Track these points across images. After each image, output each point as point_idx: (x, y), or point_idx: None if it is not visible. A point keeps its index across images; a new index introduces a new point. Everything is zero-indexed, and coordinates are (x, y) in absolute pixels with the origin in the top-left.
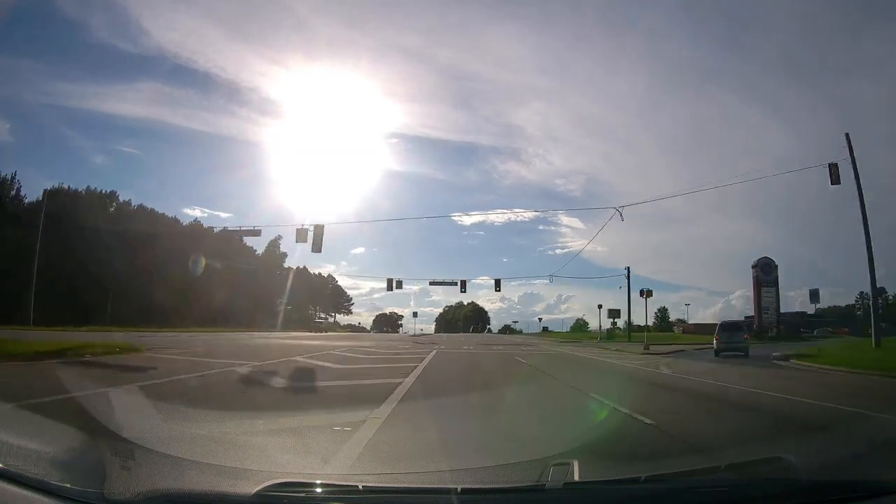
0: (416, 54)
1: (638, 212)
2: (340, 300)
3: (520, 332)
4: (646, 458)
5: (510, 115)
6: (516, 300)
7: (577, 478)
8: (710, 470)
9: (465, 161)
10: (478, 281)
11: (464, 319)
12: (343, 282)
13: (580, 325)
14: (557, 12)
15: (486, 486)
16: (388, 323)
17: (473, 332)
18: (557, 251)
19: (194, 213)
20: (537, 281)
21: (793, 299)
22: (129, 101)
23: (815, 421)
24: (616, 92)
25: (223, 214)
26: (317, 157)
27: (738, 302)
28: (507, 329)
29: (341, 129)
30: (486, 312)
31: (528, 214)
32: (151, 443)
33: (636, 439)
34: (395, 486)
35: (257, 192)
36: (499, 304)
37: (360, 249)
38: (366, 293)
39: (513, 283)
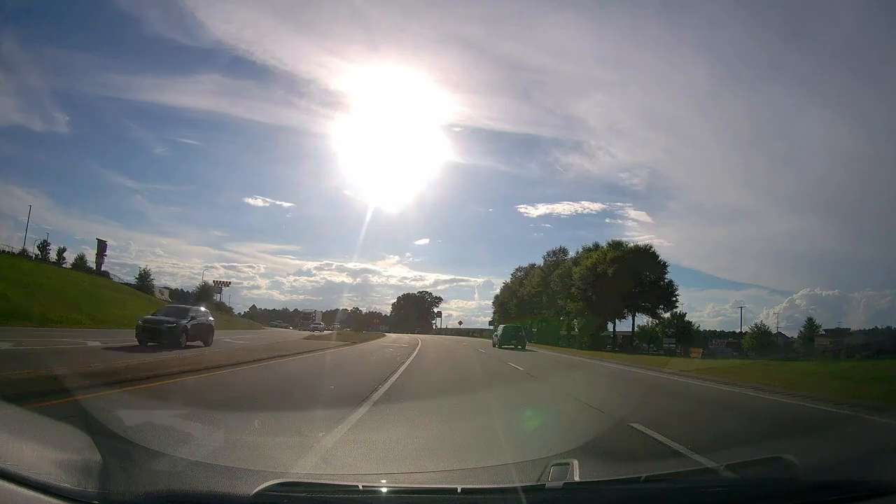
0: (475, 45)
1: (700, 206)
2: None
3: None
4: (646, 458)
5: (571, 107)
6: None
7: (577, 478)
8: (710, 470)
9: (528, 153)
10: None
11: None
12: (407, 273)
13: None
14: (615, 1)
15: (486, 486)
16: (413, 308)
17: (510, 344)
18: None
19: (256, 202)
20: None
21: (855, 302)
22: (189, 93)
23: None
24: (676, 84)
25: (285, 204)
26: (378, 148)
27: (802, 301)
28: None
29: (402, 120)
30: (660, 262)
31: (595, 207)
32: (151, 443)
33: None
34: (395, 486)
35: (319, 183)
36: None
37: (425, 241)
38: (430, 284)
39: None
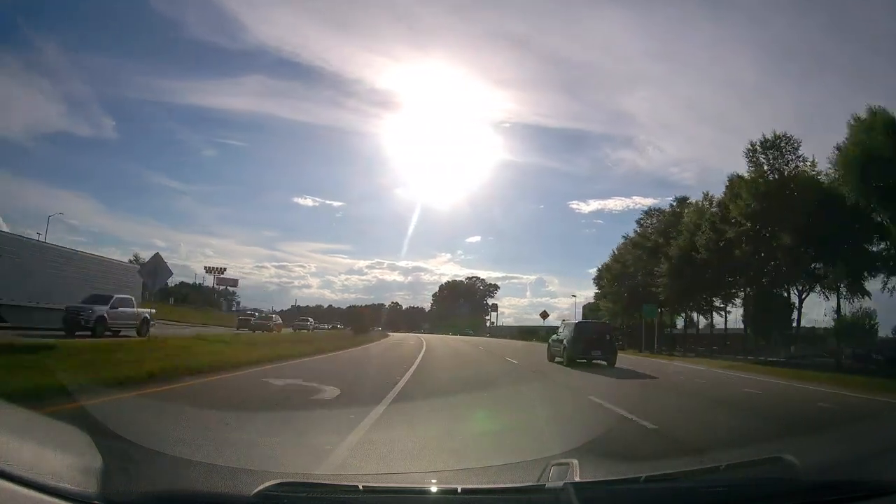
0: (521, 41)
1: None
2: None
3: None
4: (646, 459)
5: (619, 102)
6: None
7: (577, 478)
8: (710, 470)
9: (578, 149)
10: (594, 271)
11: None
12: (459, 270)
13: None
14: None
15: (487, 486)
16: (460, 300)
17: (586, 356)
18: None
19: (305, 202)
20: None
21: None
22: (234, 95)
23: None
24: (722, 78)
25: (335, 203)
26: (428, 146)
27: None
28: None
29: (451, 118)
30: None
31: (647, 202)
32: (151, 443)
33: None
34: (395, 486)
35: (369, 182)
36: None
37: (476, 238)
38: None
39: None
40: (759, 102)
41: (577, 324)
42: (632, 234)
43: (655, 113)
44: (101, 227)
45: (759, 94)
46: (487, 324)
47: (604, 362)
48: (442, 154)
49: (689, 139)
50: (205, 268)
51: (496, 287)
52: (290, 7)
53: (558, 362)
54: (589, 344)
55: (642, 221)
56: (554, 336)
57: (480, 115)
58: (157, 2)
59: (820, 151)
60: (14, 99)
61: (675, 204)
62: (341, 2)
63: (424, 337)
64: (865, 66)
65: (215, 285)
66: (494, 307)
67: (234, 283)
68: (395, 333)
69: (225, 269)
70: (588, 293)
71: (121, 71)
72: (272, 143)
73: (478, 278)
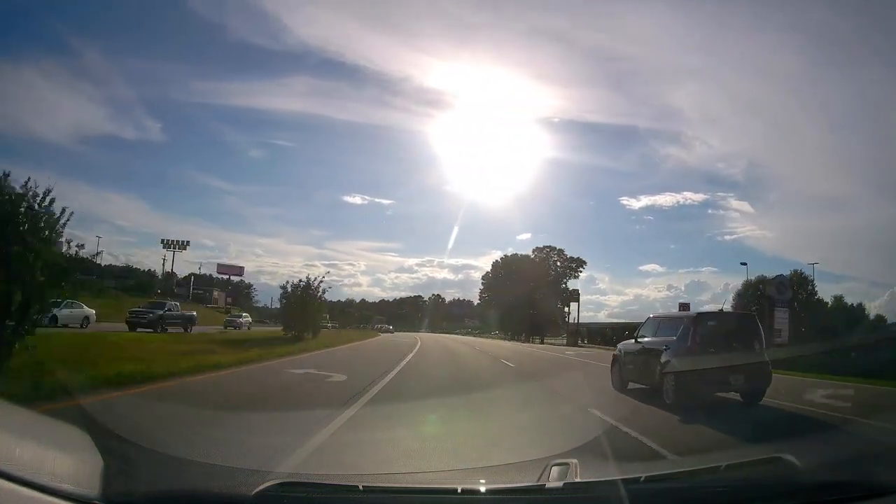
0: (563, 37)
1: (798, 195)
2: None
3: None
4: (646, 459)
5: (666, 97)
6: (683, 288)
7: (577, 478)
8: (710, 470)
9: (626, 144)
10: (645, 268)
11: None
12: None
13: None
14: None
15: (487, 486)
16: (521, 284)
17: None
18: (726, 237)
19: (354, 200)
20: (704, 269)
21: None
22: (280, 96)
23: None
24: (768, 69)
25: (385, 201)
26: (477, 144)
27: None
28: None
29: (499, 115)
30: None
31: (697, 198)
32: (151, 443)
33: None
34: (395, 485)
35: (419, 180)
36: (665, 293)
37: (526, 235)
38: None
39: (680, 271)
40: (806, 92)
41: (697, 315)
42: None
43: (702, 107)
44: (149, 228)
45: (807, 83)
46: (566, 317)
47: (737, 393)
48: (490, 151)
49: (736, 133)
50: (161, 241)
51: (582, 263)
52: (331, 8)
53: (635, 388)
54: (724, 359)
55: None
56: (629, 342)
57: (527, 112)
58: (199, 6)
59: (875, 137)
60: (59, 103)
61: None
62: (381, 1)
63: (430, 346)
64: None
65: (219, 274)
66: (575, 295)
67: (239, 270)
68: (385, 335)
69: (188, 243)
70: (637, 290)
71: (166, 74)
72: (320, 143)
73: (552, 249)
